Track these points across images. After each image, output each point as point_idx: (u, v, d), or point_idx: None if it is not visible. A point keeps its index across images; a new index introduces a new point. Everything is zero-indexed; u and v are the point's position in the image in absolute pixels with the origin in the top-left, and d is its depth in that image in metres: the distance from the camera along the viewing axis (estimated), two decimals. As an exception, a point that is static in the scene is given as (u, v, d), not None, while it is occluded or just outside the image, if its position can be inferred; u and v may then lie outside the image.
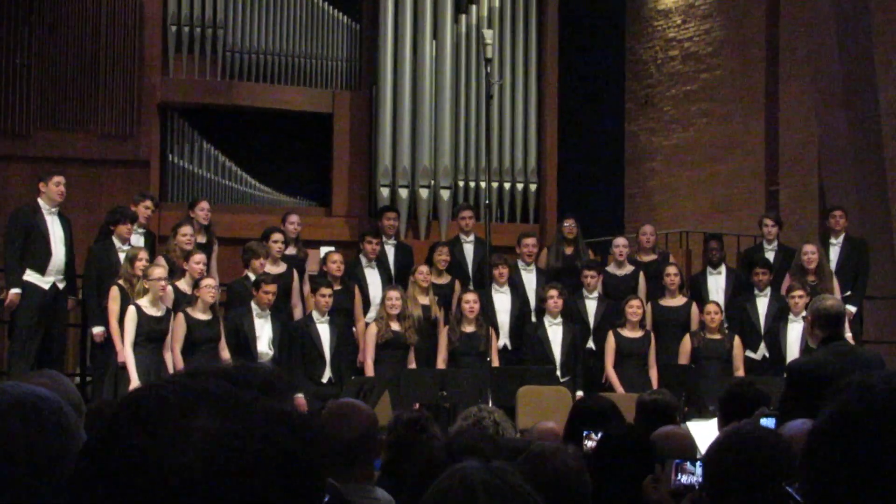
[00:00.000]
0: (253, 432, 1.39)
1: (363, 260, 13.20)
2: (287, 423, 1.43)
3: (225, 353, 11.45)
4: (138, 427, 1.39)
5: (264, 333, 11.68)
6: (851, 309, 13.15)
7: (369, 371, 12.01)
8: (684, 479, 4.38)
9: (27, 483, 1.67)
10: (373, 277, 13.16)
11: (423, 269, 12.87)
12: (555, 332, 12.54)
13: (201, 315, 11.36)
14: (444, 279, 13.33)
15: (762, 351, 12.81)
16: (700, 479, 4.27)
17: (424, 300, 12.69)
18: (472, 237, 14.01)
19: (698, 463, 4.35)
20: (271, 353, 11.64)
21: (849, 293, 13.18)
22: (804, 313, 11.84)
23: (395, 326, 12.16)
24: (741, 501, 3.45)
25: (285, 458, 1.40)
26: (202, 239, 12.81)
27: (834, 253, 13.39)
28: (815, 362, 6.71)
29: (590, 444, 5.36)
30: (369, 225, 15.22)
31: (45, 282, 11.63)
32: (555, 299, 12.51)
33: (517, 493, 2.28)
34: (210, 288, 11.40)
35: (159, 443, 1.37)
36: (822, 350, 6.77)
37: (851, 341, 12.15)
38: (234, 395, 1.42)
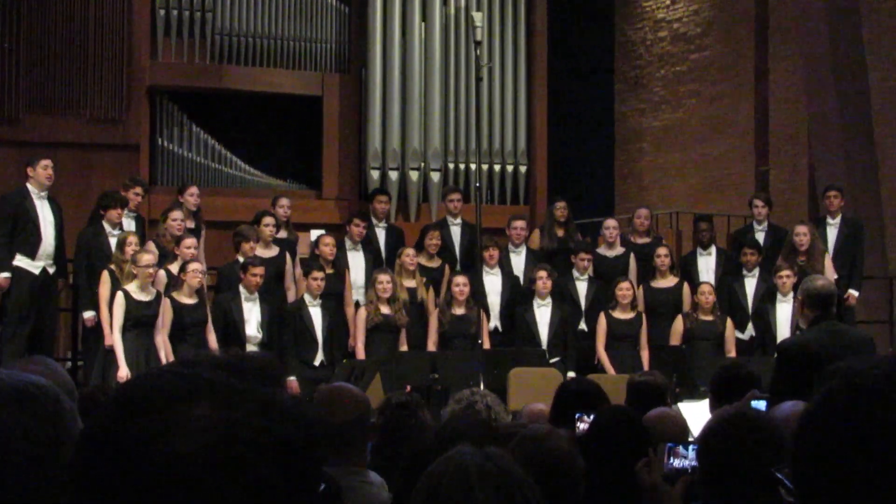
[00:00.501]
0: (249, 421, 1.40)
1: (347, 243, 13.17)
2: (282, 411, 1.44)
3: (211, 337, 11.47)
4: (136, 415, 1.39)
5: (252, 317, 11.69)
6: (854, 293, 13.17)
7: (360, 354, 12.02)
8: (677, 462, 4.37)
9: (25, 473, 1.67)
10: (356, 260, 13.13)
11: (410, 251, 12.86)
12: (542, 314, 12.55)
13: (187, 299, 11.37)
14: (435, 262, 13.33)
15: (749, 331, 12.85)
16: (693, 463, 4.27)
17: (411, 283, 12.69)
18: (459, 220, 14.00)
19: (691, 446, 4.35)
20: (260, 336, 11.66)
21: (846, 276, 13.18)
22: (792, 293, 11.89)
23: (384, 309, 12.17)
24: (734, 485, 3.46)
25: (281, 446, 1.41)
26: (191, 224, 12.79)
27: (831, 234, 13.36)
28: (805, 342, 6.73)
29: (582, 426, 5.36)
30: (359, 207, 15.21)
31: (35, 266, 11.61)
32: (543, 280, 12.52)
33: (511, 478, 2.29)
34: (196, 272, 11.40)
35: (157, 431, 1.37)
36: (812, 330, 6.80)
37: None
38: (229, 383, 1.43)
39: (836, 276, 12.93)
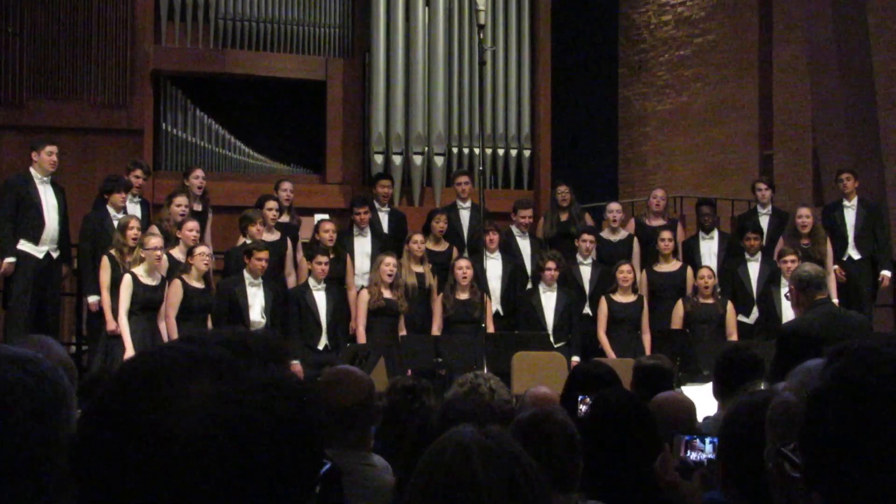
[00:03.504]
0: (250, 398, 1.40)
1: (355, 229, 13.17)
2: (284, 389, 1.44)
3: (209, 324, 11.44)
4: (137, 391, 1.40)
5: (257, 302, 11.66)
6: (887, 273, 13.21)
7: (361, 338, 12.02)
8: (694, 455, 4.34)
9: (26, 428, 1.70)
10: (361, 246, 13.13)
11: (418, 237, 12.84)
12: (548, 299, 12.55)
13: (196, 283, 11.36)
14: (442, 246, 13.32)
15: (755, 315, 12.85)
16: (710, 456, 4.25)
17: (419, 269, 12.68)
18: (468, 203, 13.99)
19: (707, 439, 4.32)
20: (264, 321, 11.64)
21: (870, 256, 13.24)
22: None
23: (386, 294, 12.17)
24: (756, 474, 3.43)
25: (283, 424, 1.42)
26: (198, 207, 12.80)
27: (849, 216, 13.35)
28: (806, 325, 6.79)
29: (584, 408, 5.36)
30: (363, 192, 15.20)
31: (38, 251, 11.63)
32: (552, 271, 12.50)
33: (511, 455, 2.30)
34: (204, 255, 11.38)
35: (158, 407, 1.38)
36: (812, 312, 6.85)
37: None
38: (231, 360, 1.44)
39: (857, 258, 13.01)
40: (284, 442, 1.42)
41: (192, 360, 1.42)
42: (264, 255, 11.63)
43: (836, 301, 12.65)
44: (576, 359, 11.95)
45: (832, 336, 6.39)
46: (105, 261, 11.25)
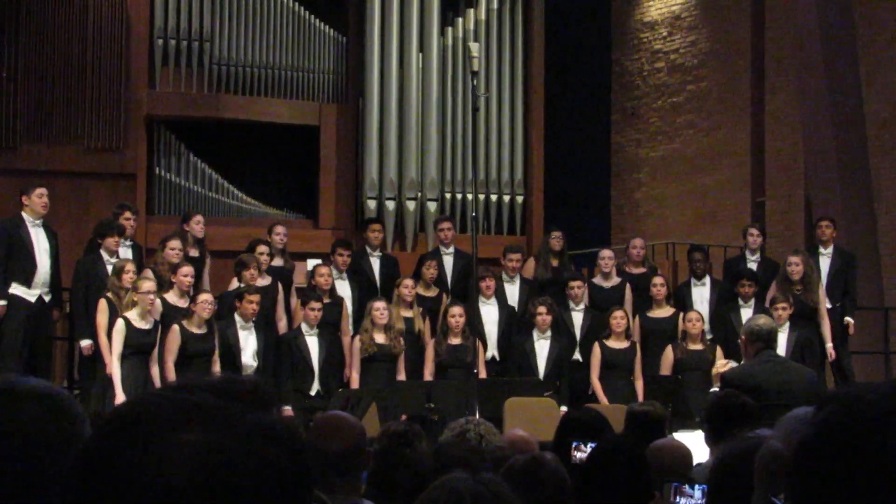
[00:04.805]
0: (239, 445, 1.40)
1: (333, 272, 13.12)
2: (273, 435, 1.44)
3: (216, 367, 11.42)
4: (125, 441, 1.39)
5: (249, 345, 11.66)
6: (849, 320, 13.21)
7: (355, 384, 12.00)
8: (683, 501, 4.35)
9: (43, 469, 1.72)
10: (342, 290, 13.08)
11: (408, 282, 12.83)
12: (542, 347, 12.54)
13: (196, 329, 11.34)
14: (432, 292, 13.31)
15: (747, 361, 12.82)
16: (700, 502, 4.25)
17: (408, 313, 12.67)
18: (451, 249, 13.97)
19: (697, 486, 4.32)
20: (256, 364, 11.64)
21: (839, 304, 13.22)
22: (788, 325, 11.96)
23: (379, 339, 12.15)
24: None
25: (271, 471, 1.41)
26: (195, 252, 12.81)
27: (824, 264, 13.38)
28: (749, 373, 7.40)
29: (579, 455, 5.35)
30: (356, 237, 15.22)
31: (31, 294, 11.62)
32: (543, 316, 12.50)
33: (504, 502, 2.30)
34: (206, 303, 11.38)
35: (146, 457, 1.37)
36: (755, 361, 7.45)
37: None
38: (220, 407, 1.43)
39: (829, 307, 12.97)
40: (272, 488, 1.41)
41: (181, 407, 1.42)
42: (256, 298, 11.65)
43: (830, 346, 12.69)
44: (563, 409, 11.91)
45: (775, 383, 7.15)
46: (103, 303, 11.23)
